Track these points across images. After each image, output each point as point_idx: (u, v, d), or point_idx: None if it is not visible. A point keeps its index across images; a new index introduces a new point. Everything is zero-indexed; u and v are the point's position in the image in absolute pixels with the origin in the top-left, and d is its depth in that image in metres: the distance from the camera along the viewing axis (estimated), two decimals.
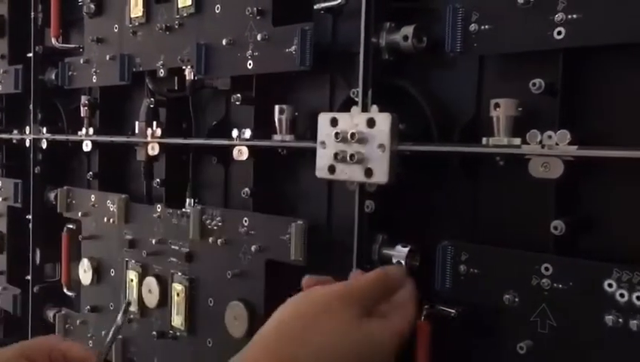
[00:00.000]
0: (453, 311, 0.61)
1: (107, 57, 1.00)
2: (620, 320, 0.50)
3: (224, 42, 0.79)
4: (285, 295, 0.79)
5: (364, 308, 0.55)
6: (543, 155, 0.53)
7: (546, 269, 0.54)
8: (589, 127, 0.55)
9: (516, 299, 0.56)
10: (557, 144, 0.52)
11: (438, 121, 0.65)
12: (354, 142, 0.63)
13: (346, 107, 0.67)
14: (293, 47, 0.71)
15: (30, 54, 1.18)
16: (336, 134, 0.64)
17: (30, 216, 1.19)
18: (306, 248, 0.72)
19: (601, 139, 0.54)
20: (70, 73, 1.10)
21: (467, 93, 0.63)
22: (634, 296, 0.49)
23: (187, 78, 0.88)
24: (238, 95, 0.80)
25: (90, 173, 1.07)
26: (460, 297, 0.61)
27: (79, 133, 1.07)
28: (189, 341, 0.89)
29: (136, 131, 0.95)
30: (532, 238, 0.57)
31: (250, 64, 0.77)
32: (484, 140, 0.58)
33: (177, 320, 0.90)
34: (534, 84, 0.54)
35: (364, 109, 0.64)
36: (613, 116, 0.54)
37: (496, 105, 0.57)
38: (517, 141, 0.55)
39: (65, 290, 1.15)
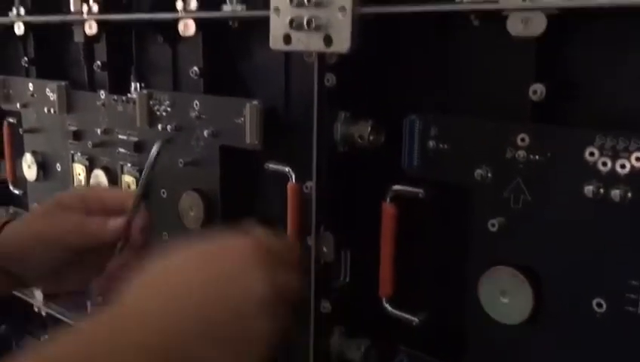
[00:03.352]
0: (420, 190, 0.57)
1: None
2: (601, 190, 0.46)
3: None
4: (241, 182, 0.75)
5: None
6: (523, 9, 0.47)
7: (522, 140, 0.49)
8: None
9: (489, 175, 0.51)
10: None
11: None
12: (311, 5, 0.56)
13: None
14: None
15: None
16: None
17: None
18: (262, 131, 0.67)
19: None
20: None
21: None
22: (617, 163, 0.45)
23: None
24: None
25: (25, 58, 0.97)
26: (428, 175, 0.56)
27: (9, 14, 0.95)
28: None
29: (72, 8, 0.85)
30: (509, 108, 0.52)
31: None
32: None
33: None
34: None
35: None
36: None
37: None
38: None
39: (11, 188, 1.08)
